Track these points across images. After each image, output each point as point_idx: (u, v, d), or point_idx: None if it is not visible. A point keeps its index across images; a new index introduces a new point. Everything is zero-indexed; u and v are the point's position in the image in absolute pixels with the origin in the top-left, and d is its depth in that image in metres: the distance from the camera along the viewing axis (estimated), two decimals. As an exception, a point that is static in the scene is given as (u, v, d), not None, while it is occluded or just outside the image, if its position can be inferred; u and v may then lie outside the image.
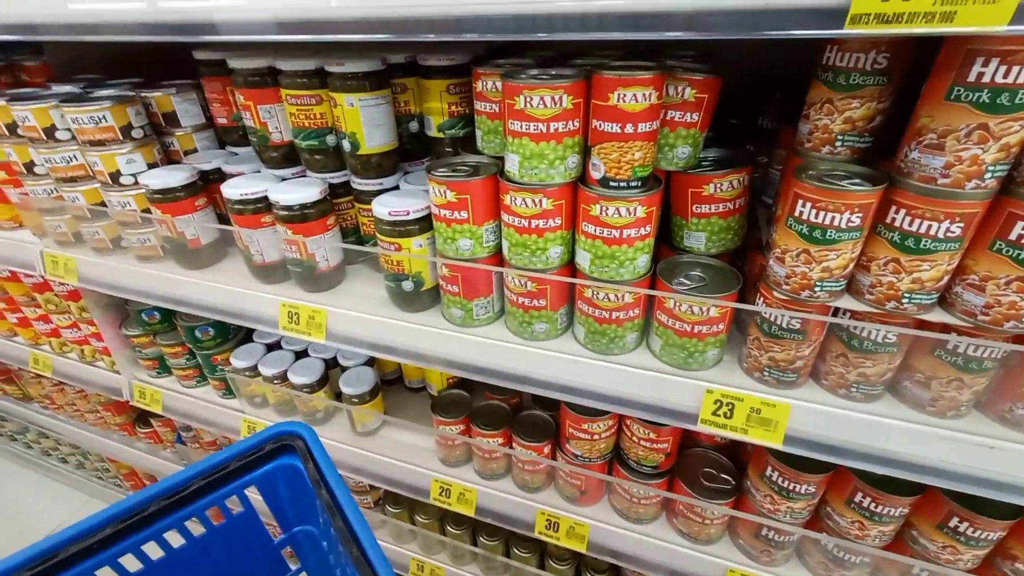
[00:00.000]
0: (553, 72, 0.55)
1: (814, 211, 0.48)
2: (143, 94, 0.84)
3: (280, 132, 0.79)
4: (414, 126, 0.79)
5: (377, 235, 0.68)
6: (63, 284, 0.97)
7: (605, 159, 0.54)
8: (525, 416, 0.86)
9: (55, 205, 0.84)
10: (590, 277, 0.59)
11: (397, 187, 0.75)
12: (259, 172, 0.80)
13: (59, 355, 1.14)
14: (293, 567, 0.99)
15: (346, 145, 0.73)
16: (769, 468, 0.68)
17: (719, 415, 0.59)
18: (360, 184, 0.75)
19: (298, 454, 0.82)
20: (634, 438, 0.75)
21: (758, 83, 0.80)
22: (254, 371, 0.94)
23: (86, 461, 1.60)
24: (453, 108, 0.75)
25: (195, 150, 0.90)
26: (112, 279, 0.85)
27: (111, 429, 1.31)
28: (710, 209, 0.60)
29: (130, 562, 0.77)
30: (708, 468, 0.78)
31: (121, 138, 0.76)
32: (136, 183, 0.79)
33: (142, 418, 1.26)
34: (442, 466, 0.90)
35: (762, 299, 0.56)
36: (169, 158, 0.88)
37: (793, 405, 0.56)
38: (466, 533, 1.05)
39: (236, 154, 0.89)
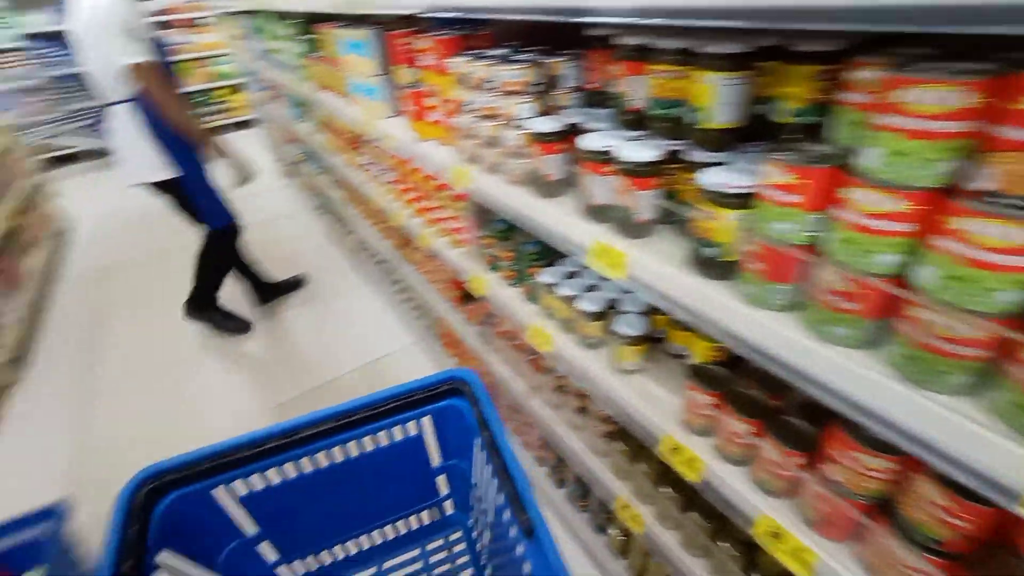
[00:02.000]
0: (959, 67, 0.50)
1: None
2: (544, 60, 1.08)
3: (638, 99, 0.93)
4: (763, 108, 0.81)
5: (697, 202, 0.75)
6: (456, 189, 1.37)
7: (1003, 171, 0.47)
8: (784, 418, 0.84)
9: (471, 133, 1.19)
10: (930, 297, 0.53)
11: (728, 163, 0.79)
12: (610, 130, 0.96)
13: (436, 236, 1.63)
14: (442, 492, 1.09)
15: (695, 118, 0.81)
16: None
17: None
18: (696, 155, 0.83)
19: (465, 397, 0.90)
20: (924, 496, 0.63)
21: None
22: (551, 288, 1.17)
23: (425, 316, 2.25)
24: (811, 95, 0.74)
25: (566, 107, 1.12)
26: (487, 192, 1.17)
27: (447, 298, 1.81)
28: None
29: (323, 457, 0.91)
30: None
31: (526, 91, 1.02)
32: (523, 126, 1.05)
33: (467, 297, 1.69)
34: (679, 429, 0.97)
35: None
36: (548, 111, 1.13)
37: None
38: (676, 503, 1.10)
39: (595, 114, 1.08)
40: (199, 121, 2.01)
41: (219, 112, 6.59)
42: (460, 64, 1.12)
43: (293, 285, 2.96)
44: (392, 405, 0.89)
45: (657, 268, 0.81)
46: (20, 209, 3.37)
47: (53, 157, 5.49)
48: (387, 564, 1.08)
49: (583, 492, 1.48)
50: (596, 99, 1.10)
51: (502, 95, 1.04)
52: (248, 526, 0.95)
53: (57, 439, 2.20)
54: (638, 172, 0.83)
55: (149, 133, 1.97)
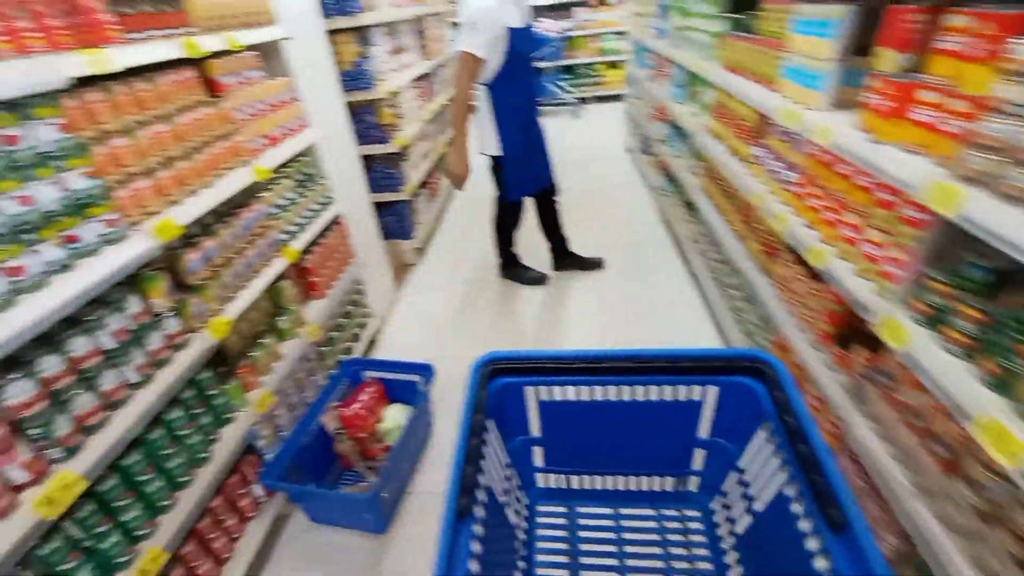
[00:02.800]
0: None
1: None
2: None
3: None
4: None
5: None
6: (922, 210, 1.08)
7: None
8: None
9: (992, 144, 0.88)
10: None
11: None
12: None
13: (835, 256, 1.36)
14: (695, 467, 1.08)
15: None
16: None
17: None
18: None
19: (761, 380, 0.85)
20: None
21: None
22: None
23: (757, 333, 2.01)
24: None
25: None
26: (991, 225, 0.86)
27: (810, 324, 1.54)
28: None
29: (613, 391, 0.98)
30: None
31: None
32: None
33: (843, 338, 1.39)
34: None
35: None
36: None
37: None
38: None
39: None
40: (465, 122, 2.43)
41: (592, 84, 7.24)
42: (1025, 49, 0.82)
43: (590, 264, 3.12)
44: (689, 364, 0.92)
45: None
46: (451, 140, 4.48)
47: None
48: (623, 511, 1.14)
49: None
50: None
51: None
52: (535, 429, 1.09)
53: (432, 308, 2.93)
54: None
55: (489, 113, 2.47)
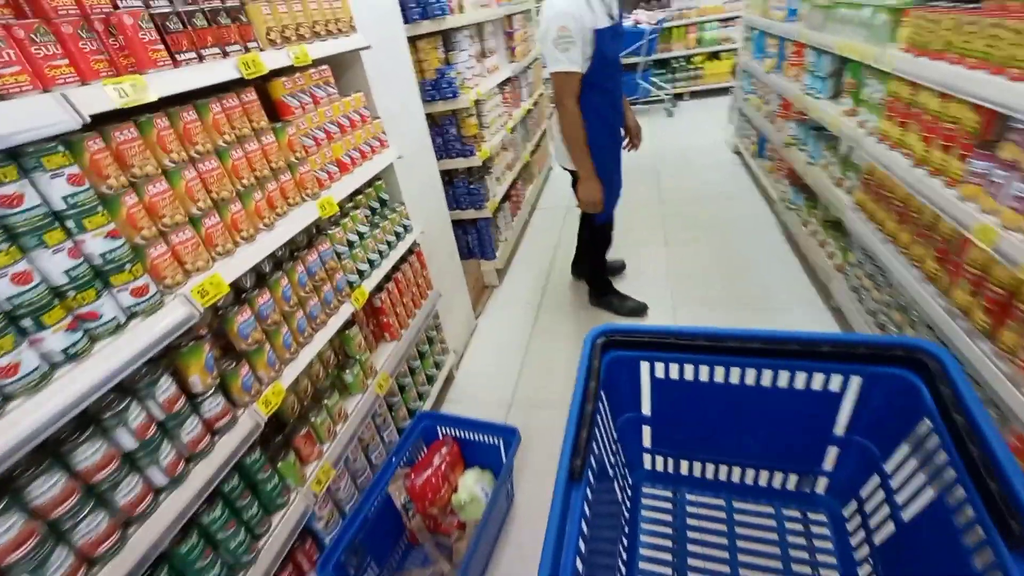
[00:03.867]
0: None
1: None
2: None
3: None
4: None
5: None
6: None
7: None
8: None
9: None
10: None
11: None
12: None
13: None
14: (826, 467, 0.97)
15: None
16: None
17: None
18: None
19: (921, 375, 0.76)
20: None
21: None
22: None
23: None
24: None
25: None
26: None
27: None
28: None
29: (735, 374, 0.91)
30: None
31: None
32: None
33: None
34: None
35: None
36: None
37: None
38: None
39: None
40: (584, 148, 2.11)
41: (690, 79, 6.59)
42: None
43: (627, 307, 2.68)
44: (829, 350, 0.83)
45: None
46: (534, 148, 4.15)
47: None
48: (737, 504, 1.07)
49: None
50: None
51: None
52: (646, 406, 1.05)
53: (514, 338, 2.62)
54: None
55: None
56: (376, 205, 1.82)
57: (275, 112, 1.36)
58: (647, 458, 1.15)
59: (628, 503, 1.10)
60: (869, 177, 1.97)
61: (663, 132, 5.54)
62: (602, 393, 0.91)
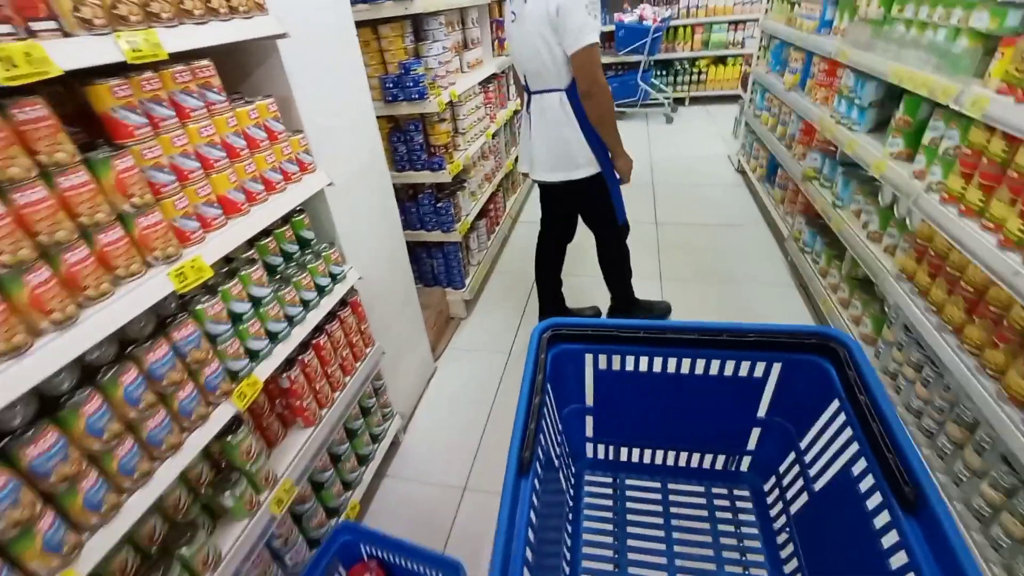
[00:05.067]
0: None
1: None
2: None
3: None
4: None
5: None
6: None
7: None
8: None
9: None
10: None
11: None
12: None
13: None
14: (749, 446, 1.08)
15: None
16: None
17: None
18: None
19: (831, 359, 0.86)
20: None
21: None
22: None
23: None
24: None
25: None
26: None
27: None
28: None
29: (672, 363, 0.99)
30: None
31: None
32: None
33: None
34: None
35: None
36: None
37: None
38: None
39: None
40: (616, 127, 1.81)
41: (692, 83, 6.18)
42: None
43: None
44: (754, 339, 0.91)
45: None
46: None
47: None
48: (672, 486, 1.15)
49: None
50: None
51: None
52: (589, 398, 1.11)
53: (481, 390, 2.19)
54: None
55: (579, 125, 1.78)
56: (291, 249, 1.36)
57: (110, 135, 0.88)
58: (589, 447, 1.19)
59: (572, 491, 1.14)
60: (925, 243, 1.58)
61: (661, 140, 5.11)
62: (548, 386, 0.94)
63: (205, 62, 1.03)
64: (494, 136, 3.06)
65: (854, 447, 0.78)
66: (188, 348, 0.98)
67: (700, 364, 0.99)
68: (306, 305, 1.34)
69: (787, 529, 0.98)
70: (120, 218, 0.85)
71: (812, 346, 0.89)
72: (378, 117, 1.83)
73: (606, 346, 1.01)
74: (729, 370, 0.98)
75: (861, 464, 0.75)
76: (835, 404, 0.85)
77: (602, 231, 2.16)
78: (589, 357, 1.03)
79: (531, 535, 0.72)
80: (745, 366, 0.97)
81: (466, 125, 2.59)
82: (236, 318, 1.11)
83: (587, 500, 1.15)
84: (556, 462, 1.02)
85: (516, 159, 3.51)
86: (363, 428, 1.68)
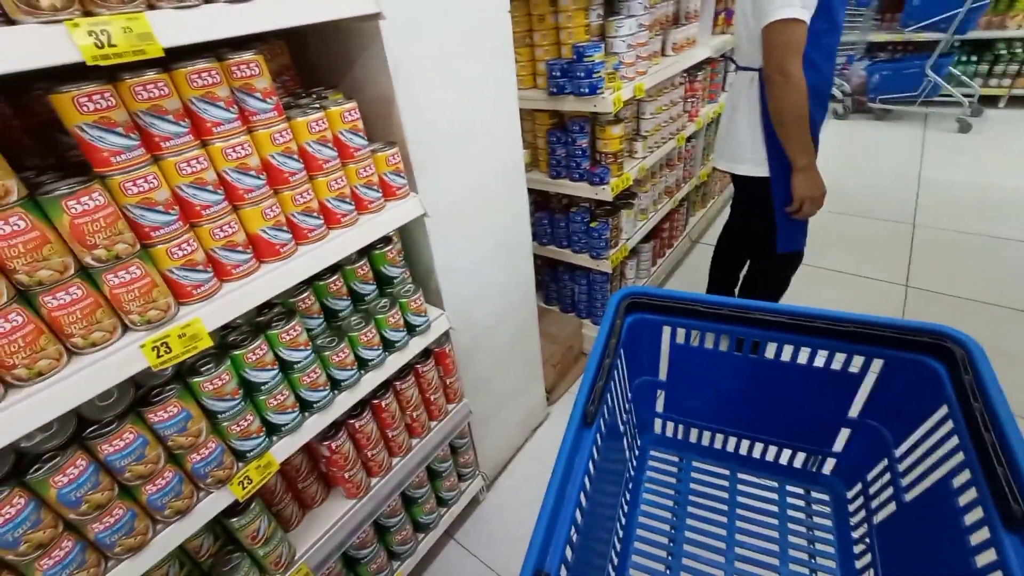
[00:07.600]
0: None
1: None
2: None
3: None
4: None
5: None
6: None
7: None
8: None
9: None
10: None
11: None
12: None
13: None
14: (835, 448, 0.97)
15: None
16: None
17: None
18: None
19: (944, 361, 0.77)
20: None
21: None
22: None
23: None
24: None
25: None
26: None
27: None
28: None
29: (771, 350, 0.91)
30: None
31: None
32: None
33: None
34: None
35: None
36: None
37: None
38: None
39: None
40: (807, 132, 1.39)
41: (1016, 75, 4.37)
42: None
43: None
44: (853, 329, 0.83)
45: None
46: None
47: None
48: (741, 475, 1.08)
49: None
50: None
51: None
52: (662, 372, 1.05)
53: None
54: None
55: (760, 113, 1.47)
56: (364, 290, 1.07)
57: (92, 164, 0.66)
58: (658, 423, 1.14)
59: (634, 462, 1.10)
60: None
61: (943, 157, 3.50)
62: (621, 352, 0.90)
63: (247, 56, 0.75)
64: (689, 140, 2.42)
65: (958, 457, 0.71)
66: (169, 432, 0.76)
67: (787, 350, 0.92)
68: (364, 365, 1.04)
69: (867, 539, 0.90)
70: (88, 272, 0.65)
71: (923, 344, 0.80)
72: (539, 111, 1.66)
73: (686, 320, 0.96)
74: (820, 361, 0.90)
75: (963, 476, 0.69)
76: (942, 410, 0.77)
77: (755, 252, 1.76)
78: (667, 330, 0.99)
79: (587, 483, 0.70)
80: (839, 359, 0.89)
81: (651, 127, 2.01)
82: (252, 388, 0.86)
83: (649, 475, 1.11)
84: (622, 428, 0.99)
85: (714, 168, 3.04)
86: (427, 495, 1.34)
